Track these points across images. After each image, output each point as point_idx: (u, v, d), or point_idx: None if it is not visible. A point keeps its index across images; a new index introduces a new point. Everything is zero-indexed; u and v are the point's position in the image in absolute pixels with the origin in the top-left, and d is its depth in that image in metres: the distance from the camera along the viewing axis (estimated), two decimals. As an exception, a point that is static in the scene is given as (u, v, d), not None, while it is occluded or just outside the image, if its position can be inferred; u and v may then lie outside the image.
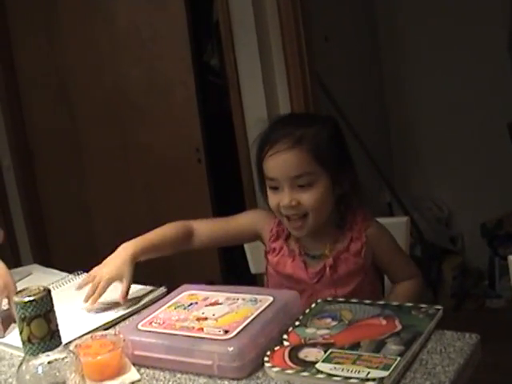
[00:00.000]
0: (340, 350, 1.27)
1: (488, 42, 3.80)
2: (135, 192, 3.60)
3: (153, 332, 1.39)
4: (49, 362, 1.08)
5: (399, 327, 1.34)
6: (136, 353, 1.37)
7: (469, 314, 3.75)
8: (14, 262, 3.50)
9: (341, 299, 1.52)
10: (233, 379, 1.27)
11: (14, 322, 1.58)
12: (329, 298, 1.53)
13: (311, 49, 3.06)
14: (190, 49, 3.26)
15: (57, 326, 1.08)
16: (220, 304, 1.47)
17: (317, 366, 1.23)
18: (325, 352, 1.27)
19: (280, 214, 1.73)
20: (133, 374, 1.34)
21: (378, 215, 1.87)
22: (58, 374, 1.08)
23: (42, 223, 3.95)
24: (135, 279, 1.89)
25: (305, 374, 1.21)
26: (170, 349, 1.34)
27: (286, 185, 1.66)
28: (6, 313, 1.64)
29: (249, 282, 1.95)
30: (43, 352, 1.06)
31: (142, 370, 1.35)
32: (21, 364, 1.09)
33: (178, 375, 1.32)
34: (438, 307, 1.41)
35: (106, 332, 1.46)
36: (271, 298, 1.45)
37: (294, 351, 1.30)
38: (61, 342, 1.09)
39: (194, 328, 1.37)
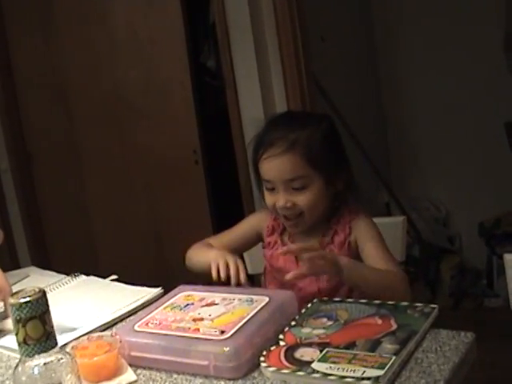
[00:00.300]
0: (336, 350, 1.27)
1: (484, 42, 3.80)
2: (133, 193, 3.60)
3: (149, 333, 1.39)
4: (45, 364, 1.08)
5: (395, 326, 1.34)
6: (132, 354, 1.37)
7: (467, 313, 3.75)
8: (11, 264, 3.51)
9: (336, 299, 1.53)
10: (229, 379, 1.27)
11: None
12: (324, 298, 1.54)
13: (307, 49, 3.07)
14: (186, 50, 3.27)
15: (52, 327, 1.09)
16: (216, 304, 1.47)
17: (313, 365, 1.23)
18: (320, 351, 1.27)
19: (277, 212, 1.76)
20: (129, 374, 1.34)
21: (375, 215, 1.88)
22: (53, 375, 1.09)
23: (40, 225, 3.95)
24: (133, 280, 1.90)
25: (301, 373, 1.22)
26: (167, 349, 1.34)
27: (280, 187, 1.70)
28: (1, 315, 1.64)
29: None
30: (39, 353, 1.07)
31: (139, 371, 1.36)
32: (17, 365, 1.09)
33: (175, 376, 1.32)
34: (434, 306, 1.41)
35: (103, 333, 1.46)
36: (267, 299, 1.45)
37: (289, 351, 1.30)
38: (56, 344, 1.09)
39: (190, 328, 1.37)
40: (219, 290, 1.56)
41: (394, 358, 1.21)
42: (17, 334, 1.06)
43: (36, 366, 1.08)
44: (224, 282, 1.62)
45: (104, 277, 1.99)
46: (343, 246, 1.75)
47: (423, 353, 1.26)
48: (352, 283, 1.62)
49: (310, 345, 1.31)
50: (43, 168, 3.87)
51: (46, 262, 3.78)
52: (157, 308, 1.50)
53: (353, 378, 1.17)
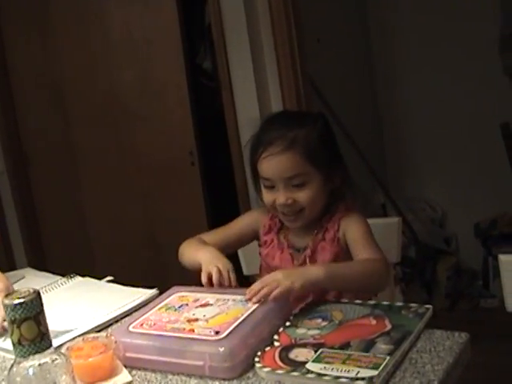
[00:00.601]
0: (330, 350, 1.28)
1: (480, 41, 3.80)
2: (130, 195, 3.60)
3: (144, 334, 1.39)
4: (39, 364, 1.08)
5: (389, 327, 1.35)
6: (127, 355, 1.37)
7: (463, 314, 3.75)
8: (8, 265, 3.51)
9: (331, 299, 1.53)
10: (224, 379, 1.27)
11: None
12: (319, 299, 1.54)
13: (303, 50, 3.07)
14: (182, 51, 3.27)
15: (47, 328, 1.09)
16: (210, 305, 1.48)
17: (307, 365, 1.23)
18: (315, 352, 1.28)
19: (275, 210, 1.78)
20: (124, 375, 1.34)
21: (371, 216, 1.89)
22: (48, 375, 1.09)
23: (36, 226, 3.94)
24: (129, 281, 1.90)
25: (295, 373, 1.22)
26: (162, 350, 1.34)
27: (280, 185, 1.72)
28: None
29: (241, 283, 1.97)
30: (34, 354, 1.07)
31: (134, 372, 1.36)
32: (12, 366, 1.09)
33: (170, 376, 1.32)
34: (428, 306, 1.42)
35: (98, 334, 1.46)
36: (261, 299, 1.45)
37: (284, 351, 1.30)
38: (51, 344, 1.10)
39: (184, 329, 1.37)
40: (213, 290, 1.57)
41: (388, 358, 1.22)
42: (11, 335, 1.07)
43: (31, 366, 1.08)
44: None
45: (100, 278, 1.99)
46: (333, 242, 1.76)
47: (417, 353, 1.27)
48: (333, 286, 1.62)
49: (304, 345, 1.32)
50: (39, 169, 3.87)
51: (43, 264, 3.78)
52: (151, 309, 1.51)
53: (347, 378, 1.17)
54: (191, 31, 3.46)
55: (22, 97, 3.80)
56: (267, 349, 1.32)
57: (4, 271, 1.75)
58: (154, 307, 1.51)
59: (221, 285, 1.59)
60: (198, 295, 1.54)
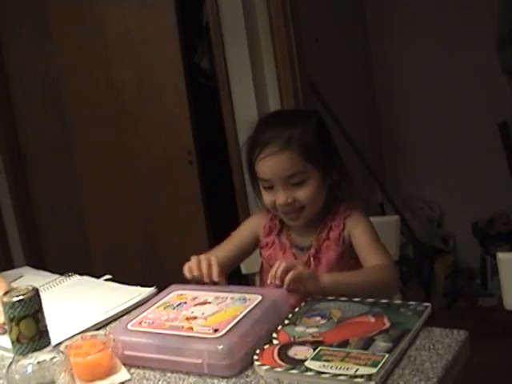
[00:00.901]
0: (329, 348, 1.28)
1: (478, 41, 3.80)
2: (127, 194, 3.59)
3: (143, 332, 1.39)
4: (38, 362, 1.08)
5: (388, 324, 1.35)
6: (126, 353, 1.37)
7: (461, 312, 3.76)
8: (6, 264, 3.51)
9: (330, 297, 1.53)
10: (222, 377, 1.27)
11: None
12: (318, 297, 1.54)
13: (301, 50, 3.07)
14: (180, 50, 3.26)
15: (45, 325, 1.09)
16: (209, 303, 1.47)
17: (306, 363, 1.23)
18: (314, 350, 1.28)
19: (276, 211, 1.79)
20: (123, 373, 1.34)
21: (369, 215, 1.89)
22: (47, 373, 1.09)
23: (34, 225, 3.94)
24: (127, 280, 1.90)
25: (294, 371, 1.22)
26: (160, 348, 1.34)
27: (279, 184, 1.72)
28: None
29: (240, 282, 1.97)
30: (32, 352, 1.07)
31: (133, 370, 1.36)
32: (10, 364, 1.09)
33: (168, 374, 1.32)
34: (427, 304, 1.42)
35: (96, 332, 1.47)
36: (260, 297, 1.46)
37: (283, 349, 1.30)
38: (50, 342, 1.10)
39: (183, 327, 1.37)
40: (212, 288, 1.57)
41: (386, 355, 1.22)
42: (10, 333, 1.06)
43: (29, 364, 1.08)
44: (201, 282, 1.63)
45: (98, 277, 1.99)
46: (338, 241, 1.77)
47: (416, 351, 1.27)
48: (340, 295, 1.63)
49: (303, 343, 1.31)
50: (37, 169, 3.87)
51: (41, 262, 3.78)
52: (150, 307, 1.51)
53: (346, 375, 1.17)
54: (189, 30, 3.46)
55: (20, 96, 3.79)
56: (266, 347, 1.32)
57: (2, 270, 1.75)
58: (153, 305, 1.51)
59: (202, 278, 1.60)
60: (197, 293, 1.54)
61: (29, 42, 3.68)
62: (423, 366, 1.21)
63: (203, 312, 1.43)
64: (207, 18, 3.22)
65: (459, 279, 4.00)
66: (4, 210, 3.89)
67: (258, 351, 1.31)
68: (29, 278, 2.06)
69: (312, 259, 1.77)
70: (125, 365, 1.37)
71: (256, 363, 1.27)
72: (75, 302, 1.80)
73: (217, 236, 3.29)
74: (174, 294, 1.56)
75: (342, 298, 1.51)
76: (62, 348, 1.33)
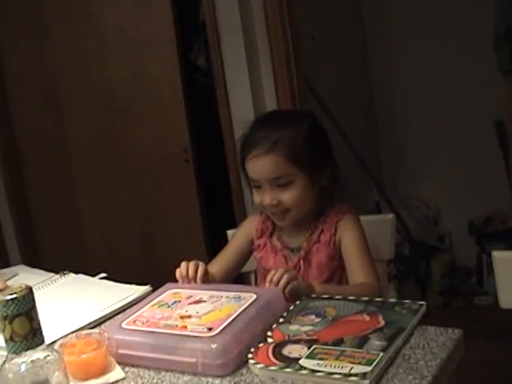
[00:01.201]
0: (323, 346, 1.28)
1: (475, 40, 3.80)
2: (123, 192, 3.59)
3: (137, 330, 1.39)
4: (32, 361, 1.08)
5: (382, 323, 1.35)
6: (120, 351, 1.37)
7: (457, 311, 3.76)
8: (1, 263, 3.50)
9: (325, 296, 1.53)
10: (217, 376, 1.27)
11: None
12: (313, 295, 1.54)
13: (298, 48, 3.06)
14: (176, 48, 3.25)
15: (39, 324, 1.09)
16: (204, 302, 1.47)
17: (300, 362, 1.23)
18: (308, 348, 1.28)
19: (264, 209, 1.81)
20: (117, 372, 1.34)
21: (365, 214, 1.89)
22: (41, 372, 1.09)
23: (30, 223, 3.93)
24: (122, 279, 1.90)
25: (288, 370, 1.22)
26: (154, 347, 1.34)
27: (266, 185, 1.73)
28: None
29: (235, 280, 1.97)
30: (26, 350, 1.07)
31: (127, 369, 1.36)
32: (4, 363, 1.09)
33: (163, 373, 1.32)
34: (421, 303, 1.42)
35: (91, 331, 1.46)
36: (254, 296, 1.46)
37: (277, 348, 1.30)
38: (43, 341, 1.09)
39: (177, 326, 1.37)
40: (206, 287, 1.57)
41: (381, 354, 1.22)
42: (3, 331, 1.06)
43: (23, 363, 1.08)
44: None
45: (93, 275, 1.99)
46: (329, 244, 1.78)
47: (411, 349, 1.27)
48: None
49: (297, 341, 1.31)
50: (33, 167, 3.86)
51: (36, 261, 3.77)
52: (144, 306, 1.50)
53: (340, 374, 1.17)
54: (185, 28, 3.45)
55: (17, 95, 3.79)
56: (260, 345, 1.32)
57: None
58: (147, 304, 1.51)
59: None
60: (192, 292, 1.54)
61: (26, 42, 3.67)
62: (418, 365, 1.21)
63: (198, 311, 1.43)
64: (204, 16, 3.21)
65: (455, 277, 4.00)
66: (0, 208, 3.88)
67: (252, 350, 1.30)
68: (24, 277, 2.06)
69: (302, 261, 1.78)
70: (119, 363, 1.36)
71: (250, 362, 1.27)
72: (70, 301, 1.80)
73: (213, 234, 3.31)
74: (169, 293, 1.56)
75: (337, 297, 1.51)
76: (55, 346, 1.33)
